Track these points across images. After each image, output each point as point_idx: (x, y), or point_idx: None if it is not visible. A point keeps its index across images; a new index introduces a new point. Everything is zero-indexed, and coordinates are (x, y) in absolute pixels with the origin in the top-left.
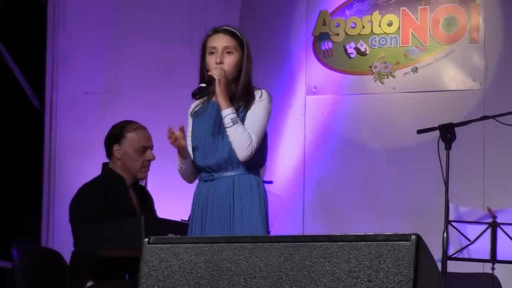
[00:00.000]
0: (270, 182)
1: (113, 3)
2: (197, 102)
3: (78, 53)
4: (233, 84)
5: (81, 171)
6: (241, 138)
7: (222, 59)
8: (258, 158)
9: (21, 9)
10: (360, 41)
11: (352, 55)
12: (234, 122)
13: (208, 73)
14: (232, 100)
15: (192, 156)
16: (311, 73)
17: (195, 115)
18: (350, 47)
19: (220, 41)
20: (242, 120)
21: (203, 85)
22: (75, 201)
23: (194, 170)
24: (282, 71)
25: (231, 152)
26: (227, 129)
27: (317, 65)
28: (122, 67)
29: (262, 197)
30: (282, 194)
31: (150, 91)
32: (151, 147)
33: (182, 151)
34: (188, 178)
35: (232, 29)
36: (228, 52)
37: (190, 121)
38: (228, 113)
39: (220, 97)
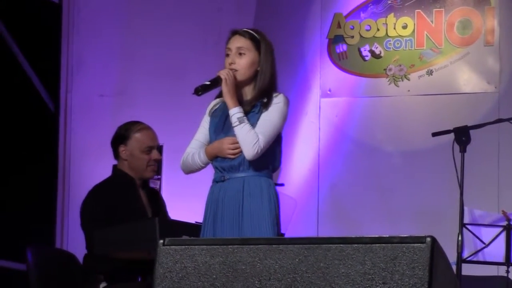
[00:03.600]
0: (282, 184)
1: (127, 7)
2: (217, 100)
3: (92, 56)
4: (248, 85)
5: (95, 173)
6: (247, 136)
7: (234, 60)
8: (270, 160)
9: (36, 13)
10: (375, 43)
11: (366, 58)
12: (240, 121)
13: (217, 73)
14: (245, 101)
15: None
16: (326, 75)
17: (213, 114)
18: (365, 50)
19: (234, 42)
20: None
21: (207, 82)
22: (85, 203)
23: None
24: (296, 73)
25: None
26: (234, 128)
27: (332, 67)
28: (136, 70)
29: (273, 199)
30: (297, 197)
31: (164, 94)
32: (156, 147)
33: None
34: (191, 171)
35: (250, 31)
36: (240, 53)
37: (207, 118)
38: (235, 112)
39: (226, 96)
